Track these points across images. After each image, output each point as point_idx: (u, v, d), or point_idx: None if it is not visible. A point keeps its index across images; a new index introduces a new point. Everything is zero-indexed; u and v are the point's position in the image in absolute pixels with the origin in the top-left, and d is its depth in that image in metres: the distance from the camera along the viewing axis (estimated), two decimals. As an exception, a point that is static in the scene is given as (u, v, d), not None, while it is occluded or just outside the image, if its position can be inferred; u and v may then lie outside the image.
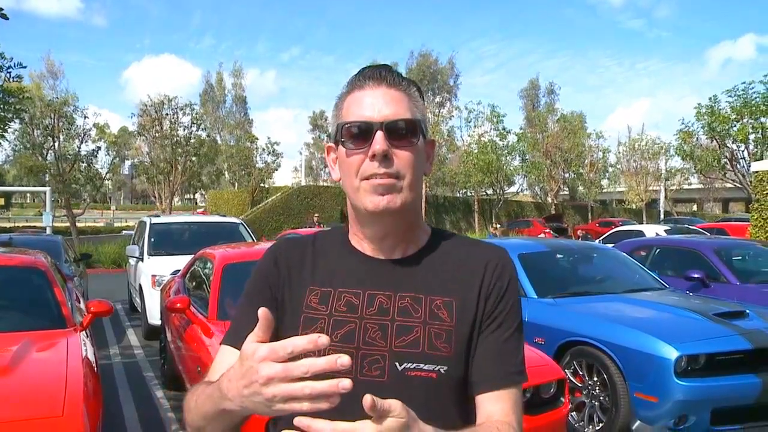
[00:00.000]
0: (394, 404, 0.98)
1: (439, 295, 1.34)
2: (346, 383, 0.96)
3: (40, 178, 29.52)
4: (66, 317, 4.76)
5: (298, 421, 0.98)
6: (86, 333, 4.83)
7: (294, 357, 1.00)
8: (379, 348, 1.29)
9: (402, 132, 1.30)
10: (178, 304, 5.45)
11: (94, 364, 4.28)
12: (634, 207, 53.69)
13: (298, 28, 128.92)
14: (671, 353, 4.82)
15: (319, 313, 1.33)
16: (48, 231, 20.64)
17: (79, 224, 31.26)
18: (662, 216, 46.20)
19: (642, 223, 34.08)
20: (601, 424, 5.25)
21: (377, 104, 1.30)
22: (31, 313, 4.80)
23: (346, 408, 1.11)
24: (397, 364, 1.28)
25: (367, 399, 0.95)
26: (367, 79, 1.34)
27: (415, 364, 1.27)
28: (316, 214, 27.40)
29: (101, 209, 70.18)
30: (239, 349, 1.21)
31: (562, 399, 4.33)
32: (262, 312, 1.05)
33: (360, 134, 1.29)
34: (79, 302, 6.05)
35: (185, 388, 5.83)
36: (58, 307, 4.82)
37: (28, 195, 65.78)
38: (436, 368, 1.27)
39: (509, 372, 1.33)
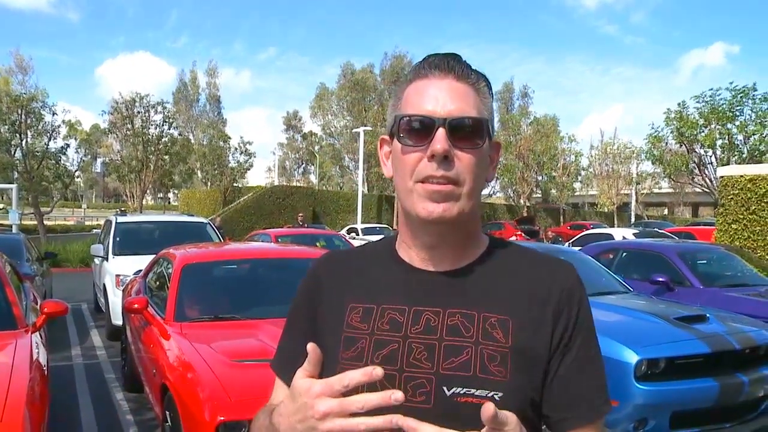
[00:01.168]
0: (511, 417, 0.94)
1: (494, 313, 1.18)
2: (398, 395, 0.92)
3: (7, 174, 28.98)
4: (17, 318, 4.64)
5: None
6: (39, 334, 4.72)
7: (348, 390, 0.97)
8: (425, 370, 1.15)
9: (467, 132, 1.16)
10: (136, 305, 5.36)
11: (44, 367, 4.18)
12: (605, 210, 54.26)
13: (276, 29, 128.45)
14: (632, 357, 4.83)
15: (360, 332, 1.21)
16: (14, 229, 20.31)
17: (48, 222, 30.84)
18: (633, 219, 46.79)
19: (613, 227, 34.43)
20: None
21: (441, 98, 1.16)
22: (-21, 314, 4.67)
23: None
24: (445, 388, 1.13)
25: (489, 408, 0.90)
26: (433, 68, 1.20)
27: (465, 389, 1.12)
28: (301, 214, 27.29)
29: (72, 207, 69.32)
30: (282, 379, 1.31)
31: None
32: (311, 348, 1.01)
33: (419, 130, 1.16)
34: (36, 302, 5.91)
35: (144, 390, 5.74)
36: (8, 308, 4.70)
37: (-4, 192, 64.69)
38: (490, 394, 1.11)
39: (596, 405, 1.20)
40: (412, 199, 1.17)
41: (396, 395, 0.92)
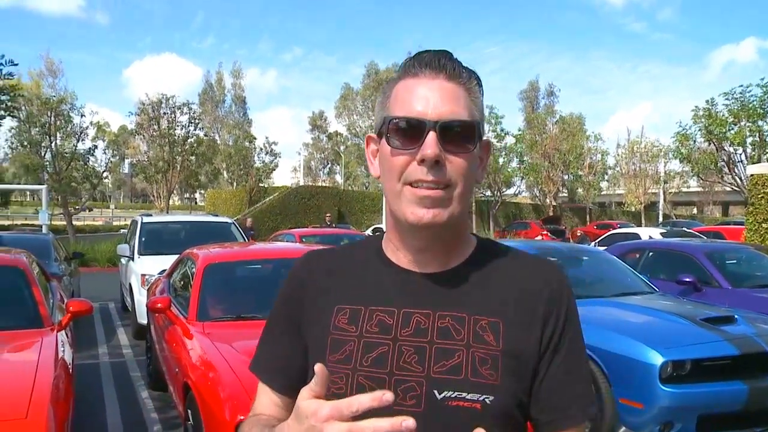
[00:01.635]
0: None
1: (485, 315, 1.17)
2: (409, 423, 0.89)
3: (38, 176, 29.42)
4: (43, 317, 4.70)
5: None
6: (65, 333, 4.77)
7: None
8: (416, 374, 1.13)
9: (458, 136, 1.13)
10: (159, 304, 5.40)
11: (69, 365, 4.23)
12: (633, 210, 53.69)
13: (301, 29, 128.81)
14: (656, 359, 4.76)
15: (348, 335, 1.19)
16: (44, 229, 20.59)
17: (77, 222, 31.28)
18: (661, 219, 46.20)
19: (640, 226, 34.06)
20: (586, 430, 5.19)
21: (432, 98, 1.13)
22: (6, 313, 4.74)
23: None
24: (435, 392, 1.12)
25: None
26: (423, 66, 1.16)
27: (456, 393, 1.11)
28: (328, 214, 27.34)
29: (100, 207, 70.21)
30: (263, 381, 1.31)
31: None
32: (319, 368, 0.98)
33: (409, 132, 1.12)
34: (63, 301, 5.98)
35: (167, 389, 5.78)
36: (35, 307, 4.76)
37: (28, 193, 65.78)
38: (481, 398, 1.11)
39: (583, 408, 1.20)
40: (401, 203, 1.14)
41: (408, 423, 0.89)
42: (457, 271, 1.23)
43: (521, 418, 1.18)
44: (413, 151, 1.12)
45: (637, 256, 9.67)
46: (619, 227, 27.75)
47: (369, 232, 27.94)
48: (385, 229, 1.32)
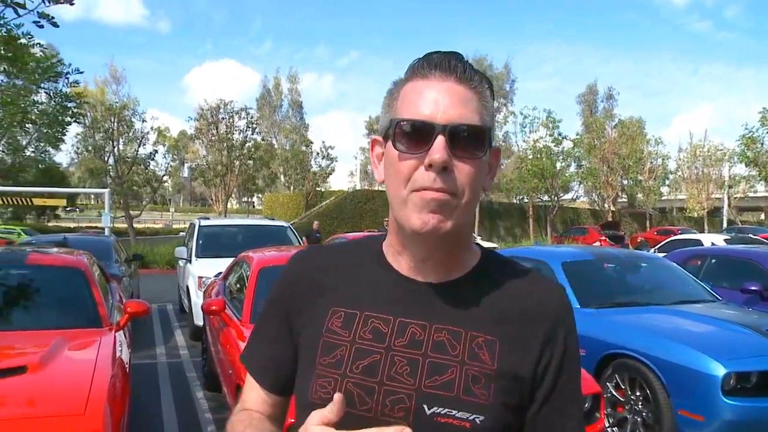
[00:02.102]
0: None
1: (482, 332, 1.13)
2: None
3: (101, 179, 30.33)
4: (102, 317, 4.81)
5: None
6: (123, 333, 4.88)
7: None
8: (406, 386, 1.10)
9: (468, 141, 1.08)
10: (213, 307, 5.48)
11: (125, 364, 4.32)
12: (695, 215, 52.33)
13: (357, 33, 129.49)
14: (718, 370, 4.60)
15: (341, 339, 1.16)
16: (106, 231, 21.16)
17: (137, 225, 32.08)
18: (725, 225, 44.88)
19: (703, 232, 33.14)
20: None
21: (442, 102, 1.08)
22: (67, 312, 4.87)
23: None
24: (425, 406, 1.09)
25: None
26: (433, 68, 1.11)
27: (446, 410, 1.08)
28: (386, 219, 27.47)
29: (161, 211, 71.91)
30: (252, 375, 1.31)
31: (598, 414, 4.17)
32: (338, 398, 0.99)
33: (416, 136, 1.08)
34: (122, 302, 6.12)
35: (222, 390, 5.85)
36: (94, 307, 4.88)
37: (92, 196, 67.81)
38: (471, 417, 1.08)
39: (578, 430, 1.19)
40: (406, 210, 1.10)
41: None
42: (458, 283, 1.19)
43: None
44: (420, 155, 1.08)
45: (699, 263, 9.38)
46: (681, 233, 27.07)
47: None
48: None
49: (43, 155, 23.48)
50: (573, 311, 1.22)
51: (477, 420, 1.08)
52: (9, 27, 8.61)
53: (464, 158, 1.08)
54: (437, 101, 1.08)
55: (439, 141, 1.06)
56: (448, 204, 1.08)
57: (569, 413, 1.17)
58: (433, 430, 1.08)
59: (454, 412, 1.08)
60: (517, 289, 1.20)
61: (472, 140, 1.09)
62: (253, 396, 1.31)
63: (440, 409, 1.08)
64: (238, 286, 6.51)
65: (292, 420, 1.23)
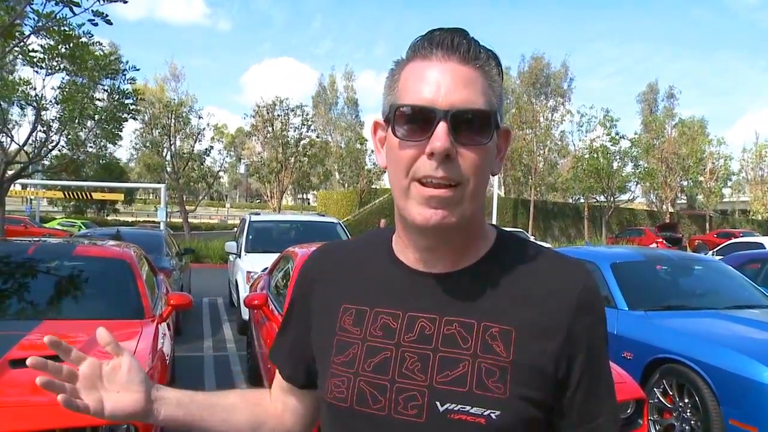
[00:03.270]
0: None
1: (497, 322, 1.07)
2: None
3: (159, 175, 31.03)
4: (145, 308, 4.88)
5: None
6: (165, 325, 4.94)
7: None
8: (418, 383, 1.06)
9: (472, 127, 1.01)
10: (255, 301, 5.52)
11: (166, 356, 4.37)
12: (759, 218, 50.74)
13: (416, 33, 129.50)
14: (772, 378, 4.41)
15: (353, 337, 1.13)
16: (162, 226, 21.63)
17: (193, 220, 32.71)
18: (791, 228, 43.40)
19: (767, 236, 32.06)
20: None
21: (444, 84, 1.01)
22: (112, 303, 4.95)
23: None
24: (438, 403, 1.04)
25: None
26: (435, 47, 1.03)
27: (459, 406, 1.03)
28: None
29: (217, 206, 73.21)
30: (280, 371, 1.35)
31: (641, 421, 4.03)
32: None
33: (417, 122, 1.02)
34: (167, 295, 6.22)
35: (264, 384, 5.88)
36: (138, 298, 4.95)
37: (151, 191, 69.48)
38: (486, 412, 1.02)
39: (612, 418, 1.12)
40: (407, 201, 1.04)
41: None
42: (469, 271, 1.12)
43: None
44: (422, 143, 1.01)
45: (758, 266, 9.07)
46: (742, 236, 26.21)
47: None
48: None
49: (102, 150, 24.10)
50: (599, 293, 1.13)
51: (492, 415, 1.02)
52: (71, 26, 8.84)
53: (468, 145, 1.01)
54: (439, 84, 1.01)
55: (441, 128, 0.99)
56: (451, 198, 1.02)
57: (603, 393, 1.12)
58: (447, 427, 1.03)
59: (467, 407, 1.03)
60: (535, 272, 1.12)
61: (476, 126, 1.02)
62: (275, 387, 1.36)
63: (453, 405, 1.03)
64: (282, 281, 6.54)
65: None
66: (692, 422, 4.88)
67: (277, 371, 1.36)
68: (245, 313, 9.07)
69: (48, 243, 6.19)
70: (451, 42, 1.03)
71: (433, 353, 1.06)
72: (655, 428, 5.18)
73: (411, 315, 1.10)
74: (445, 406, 1.03)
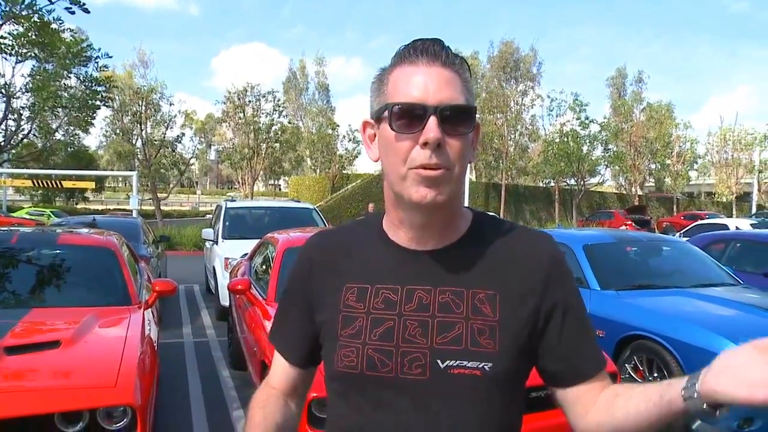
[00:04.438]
0: None
1: (482, 288, 1.26)
2: None
3: (129, 162, 30.73)
4: (131, 295, 4.97)
5: None
6: (151, 311, 5.03)
7: None
8: (420, 345, 1.23)
9: (456, 119, 1.19)
10: (239, 286, 5.61)
11: (154, 342, 4.46)
12: (724, 200, 51.69)
13: (388, 17, 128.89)
14: (735, 351, 4.63)
15: (357, 312, 1.29)
16: (134, 214, 21.47)
17: (165, 208, 32.46)
18: (754, 210, 44.28)
19: (731, 217, 32.75)
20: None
21: (431, 85, 1.18)
22: (98, 290, 5.03)
23: (388, 403, 1.24)
24: (438, 361, 1.22)
25: None
26: (420, 54, 1.21)
27: (458, 362, 1.21)
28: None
29: (188, 194, 72.60)
30: (279, 352, 1.47)
31: (613, 393, 4.23)
32: None
33: (411, 117, 1.18)
34: (150, 282, 6.29)
35: (248, 368, 5.99)
36: (124, 286, 5.04)
37: (120, 179, 68.63)
38: (480, 365, 1.21)
39: (597, 360, 1.30)
40: (406, 185, 1.20)
41: None
42: (454, 247, 1.31)
43: (519, 381, 1.29)
44: (415, 135, 1.18)
45: (722, 247, 9.36)
46: (708, 218, 26.77)
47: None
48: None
49: (72, 138, 23.83)
50: (563, 254, 1.34)
51: (486, 367, 1.21)
52: (41, 14, 8.78)
53: (454, 135, 1.19)
54: (426, 85, 1.18)
55: (432, 121, 1.16)
56: (442, 178, 1.19)
57: (587, 338, 1.30)
58: (448, 381, 1.21)
59: (465, 362, 1.21)
60: (511, 244, 1.32)
61: (460, 119, 1.20)
62: (279, 372, 1.47)
63: (452, 361, 1.21)
64: (263, 266, 6.65)
65: (315, 394, 1.37)
66: (661, 395, 5.10)
67: (276, 363, 1.48)
68: (224, 300, 9.15)
69: (31, 232, 6.22)
70: (433, 50, 1.21)
71: (431, 319, 1.24)
72: (626, 402, 5.40)
73: (409, 288, 1.27)
74: (446, 363, 1.21)
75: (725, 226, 16.68)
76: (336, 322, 1.30)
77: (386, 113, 1.22)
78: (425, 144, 1.16)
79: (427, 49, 1.21)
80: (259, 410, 1.41)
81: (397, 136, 1.20)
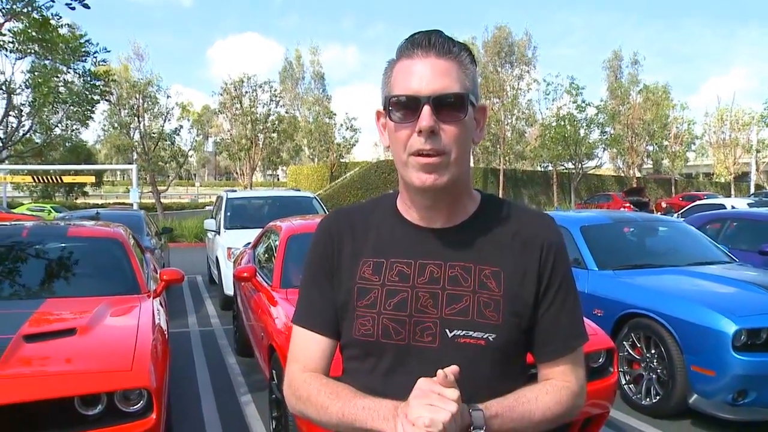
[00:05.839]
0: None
1: (488, 265, 1.37)
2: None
3: (128, 156, 30.77)
4: (140, 284, 5.09)
5: None
6: (159, 300, 5.16)
7: None
8: (431, 315, 1.35)
9: (450, 107, 1.28)
10: (245, 273, 5.73)
11: (164, 327, 4.59)
12: (722, 180, 51.76)
13: (383, 4, 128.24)
14: (729, 327, 4.75)
15: (373, 284, 1.40)
16: (135, 207, 21.56)
17: (164, 200, 32.54)
18: (752, 190, 44.37)
19: (729, 197, 32.86)
20: (658, 397, 5.24)
21: (425, 76, 1.28)
22: (109, 280, 5.16)
23: (401, 368, 1.36)
24: (447, 331, 1.34)
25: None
26: (415, 47, 1.31)
27: (464, 332, 1.33)
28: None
29: (186, 186, 72.61)
30: (313, 330, 1.49)
31: (611, 369, 4.36)
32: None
33: (407, 107, 1.29)
34: (156, 272, 6.41)
35: (254, 354, 6.12)
36: (133, 276, 5.17)
37: (118, 173, 68.58)
38: (485, 336, 1.33)
39: (567, 340, 1.42)
40: (408, 170, 1.33)
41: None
42: (463, 226, 1.43)
43: (519, 352, 1.42)
44: (412, 123, 1.29)
45: (719, 226, 9.47)
46: (706, 198, 26.87)
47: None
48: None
49: (71, 133, 23.89)
50: (561, 236, 1.46)
51: (490, 338, 1.34)
52: (41, 10, 8.84)
53: (449, 121, 1.29)
54: (421, 76, 1.29)
55: (426, 110, 1.27)
56: (440, 164, 1.30)
57: (567, 313, 1.42)
58: (456, 348, 1.34)
59: (471, 332, 1.34)
60: (514, 224, 1.44)
61: (453, 105, 1.29)
62: (314, 350, 1.48)
63: (460, 331, 1.34)
64: (267, 254, 6.77)
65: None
66: (658, 371, 5.24)
67: (309, 344, 1.48)
68: (228, 289, 9.28)
69: (41, 225, 6.34)
70: (428, 41, 1.31)
71: (441, 291, 1.37)
72: (625, 378, 5.55)
73: (421, 262, 1.40)
74: (454, 332, 1.35)
75: (722, 206, 16.77)
76: (353, 293, 1.42)
77: (387, 105, 1.34)
78: (420, 132, 1.28)
79: (422, 42, 1.31)
80: (329, 383, 1.41)
81: (397, 125, 1.32)
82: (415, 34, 1.34)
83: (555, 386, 1.39)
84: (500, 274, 1.37)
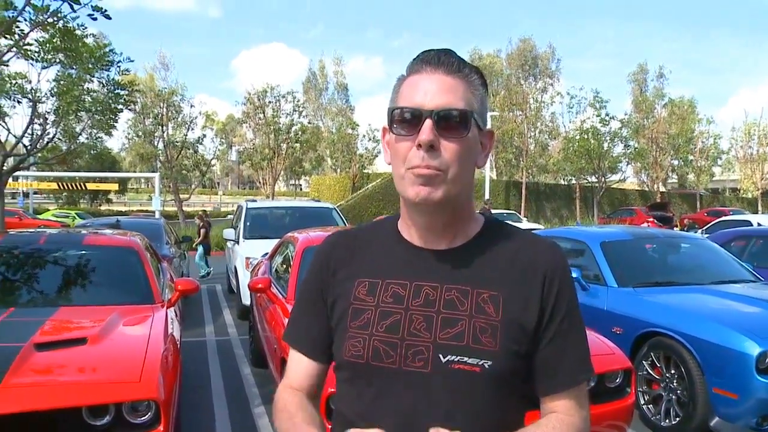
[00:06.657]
0: None
1: (486, 289, 1.31)
2: None
3: (151, 164, 31.05)
4: (154, 294, 5.08)
5: None
6: (174, 310, 5.14)
7: None
8: (423, 339, 1.29)
9: (452, 123, 1.25)
10: (260, 285, 5.71)
11: (177, 340, 4.57)
12: (749, 196, 51.06)
13: (408, 15, 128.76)
14: (753, 348, 4.64)
15: (367, 304, 1.35)
16: (157, 214, 21.70)
17: (187, 208, 32.75)
18: (780, 206, 43.70)
19: (757, 213, 32.37)
20: (678, 419, 5.11)
21: (430, 91, 1.25)
22: (123, 289, 5.16)
23: (391, 392, 1.30)
24: (440, 356, 1.27)
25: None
26: (424, 64, 1.29)
27: (458, 357, 1.27)
28: (489, 199, 26.94)
29: (209, 194, 73.13)
30: (298, 350, 1.48)
31: (628, 389, 4.26)
32: None
33: (409, 121, 1.26)
34: (172, 281, 6.41)
35: (269, 366, 6.09)
36: (147, 285, 5.16)
37: (142, 180, 69.30)
38: (480, 362, 1.26)
39: (574, 373, 1.35)
40: (404, 184, 1.28)
41: None
42: (463, 248, 1.37)
43: (517, 383, 1.32)
44: (413, 136, 1.26)
45: (744, 243, 9.31)
46: (731, 214, 26.49)
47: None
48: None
49: (96, 141, 24.17)
50: (567, 264, 1.39)
51: (486, 365, 1.26)
52: (66, 20, 8.96)
53: (450, 138, 1.25)
54: (426, 91, 1.26)
55: (427, 124, 1.24)
56: (435, 177, 1.25)
57: (570, 346, 1.35)
58: (448, 374, 1.27)
59: (465, 358, 1.27)
60: (515, 249, 1.38)
61: (456, 122, 1.26)
62: (298, 370, 1.48)
63: (453, 357, 1.27)
64: (283, 265, 6.74)
65: (332, 390, 1.43)
66: (678, 392, 5.12)
67: (296, 363, 1.48)
68: (245, 299, 9.27)
69: (57, 233, 6.37)
70: (438, 59, 1.29)
71: (436, 315, 1.31)
72: (644, 399, 5.43)
73: (417, 284, 1.34)
74: (447, 358, 1.27)
75: (748, 223, 16.51)
76: (346, 313, 1.37)
77: (389, 117, 1.31)
78: (419, 145, 1.24)
79: (431, 59, 1.29)
80: (301, 411, 1.40)
81: (397, 138, 1.29)
82: (423, 52, 1.33)
83: (562, 422, 1.32)
84: (499, 299, 1.31)
